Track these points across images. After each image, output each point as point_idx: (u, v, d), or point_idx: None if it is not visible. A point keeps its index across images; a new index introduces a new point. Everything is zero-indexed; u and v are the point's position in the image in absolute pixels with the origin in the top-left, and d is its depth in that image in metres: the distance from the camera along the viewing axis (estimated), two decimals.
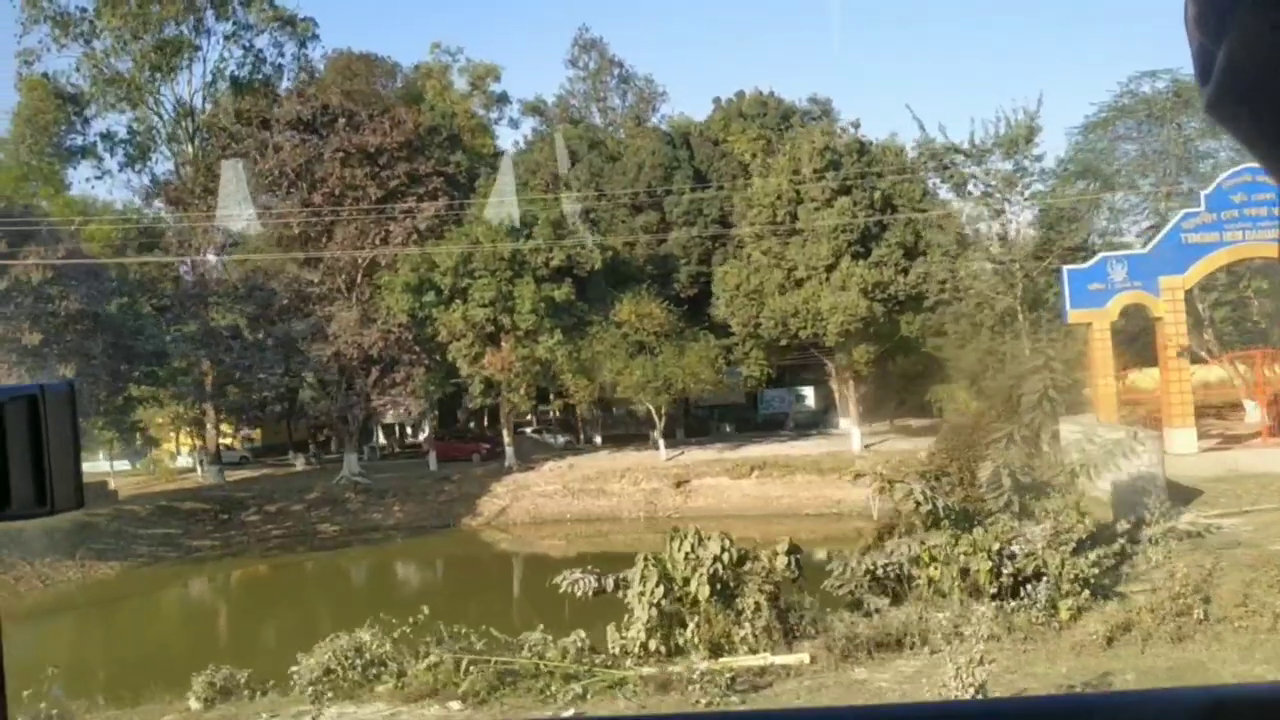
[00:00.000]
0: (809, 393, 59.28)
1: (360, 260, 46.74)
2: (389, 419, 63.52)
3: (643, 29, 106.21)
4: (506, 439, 50.53)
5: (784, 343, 43.37)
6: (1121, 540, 16.13)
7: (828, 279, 41.53)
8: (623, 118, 69.29)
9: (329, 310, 45.48)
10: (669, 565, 15.01)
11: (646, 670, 14.02)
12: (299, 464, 57.46)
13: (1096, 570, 14.41)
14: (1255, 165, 0.76)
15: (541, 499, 47.33)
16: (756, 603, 14.72)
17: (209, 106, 53.78)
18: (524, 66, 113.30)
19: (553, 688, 13.71)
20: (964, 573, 14.72)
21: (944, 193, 51.06)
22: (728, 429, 59.15)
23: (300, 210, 45.70)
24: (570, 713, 12.71)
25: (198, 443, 57.00)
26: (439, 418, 54.72)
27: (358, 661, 14.73)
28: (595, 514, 45.86)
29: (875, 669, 13.75)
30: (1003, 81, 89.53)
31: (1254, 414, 33.85)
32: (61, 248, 35.59)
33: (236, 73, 53.55)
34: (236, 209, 46.65)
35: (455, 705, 13.51)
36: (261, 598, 37.87)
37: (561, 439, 58.72)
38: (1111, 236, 40.05)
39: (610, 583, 15.70)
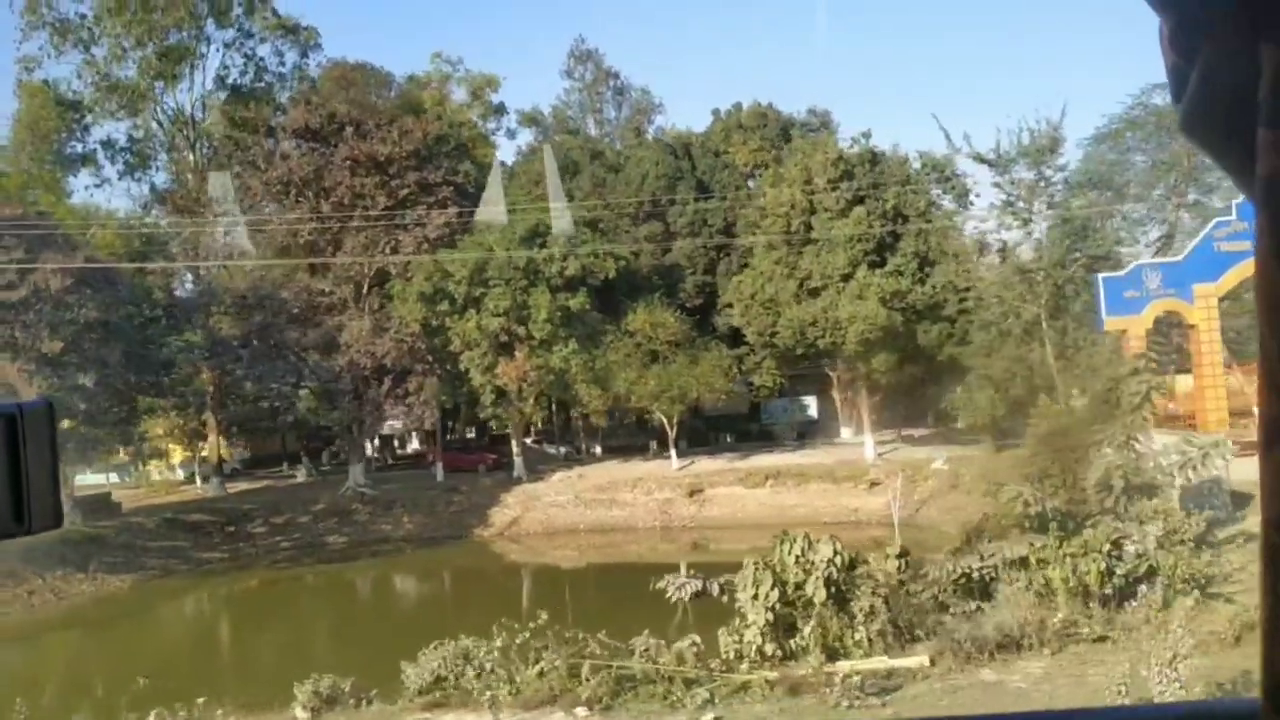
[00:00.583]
0: (811, 403, 59.36)
1: (369, 269, 46.42)
2: (384, 430, 62.98)
3: (636, 40, 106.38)
4: (515, 449, 50.22)
5: (800, 352, 43.43)
6: (1225, 541, 16.22)
7: (844, 288, 41.64)
8: (619, 129, 69.36)
9: (339, 320, 45.04)
10: (779, 569, 14.90)
11: (769, 674, 13.89)
12: (300, 475, 56.78)
13: (1214, 570, 14.46)
14: None
15: (554, 509, 47.04)
16: (871, 605, 14.64)
17: (210, 115, 53.20)
18: (517, 77, 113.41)
19: (676, 693, 13.55)
20: (1073, 574, 14.71)
21: (947, 203, 51.84)
22: (728, 439, 59.05)
23: (311, 218, 45.27)
24: (710, 716, 12.55)
25: (188, 454, 56.31)
26: (435, 429, 54.30)
27: (467, 669, 14.49)
28: (609, 524, 45.64)
29: (1001, 670, 13.69)
30: (1005, 93, 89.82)
31: None
32: (80, 255, 34.99)
33: (238, 81, 53.06)
34: (243, 217, 46.19)
35: (581, 712, 13.32)
36: (293, 609, 37.39)
37: (562, 449, 58.46)
38: (1125, 246, 40.49)
39: (715, 587, 15.56)
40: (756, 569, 14.89)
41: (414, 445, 70.07)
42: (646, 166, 56.47)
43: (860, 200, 43.56)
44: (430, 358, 44.73)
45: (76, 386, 34.40)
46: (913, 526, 40.30)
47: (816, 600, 14.54)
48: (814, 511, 43.63)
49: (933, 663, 14.06)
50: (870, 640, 14.57)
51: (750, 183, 58.30)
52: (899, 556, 15.28)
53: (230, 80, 52.93)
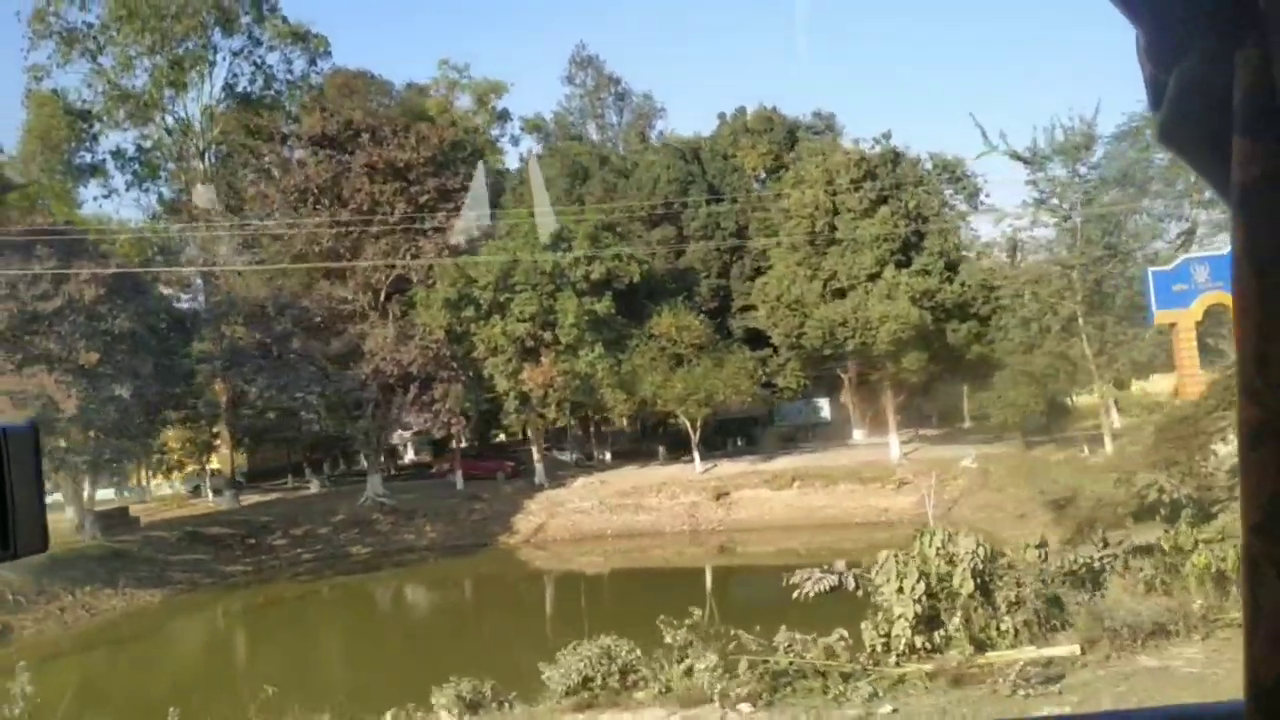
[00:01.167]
0: (824, 405, 59.45)
1: (388, 276, 46.06)
2: (393, 439, 62.46)
3: (635, 46, 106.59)
4: (536, 456, 49.98)
5: (828, 352, 43.47)
6: None
7: (871, 288, 41.73)
8: (621, 134, 69.35)
9: (360, 328, 44.65)
10: (920, 562, 14.82)
11: (924, 666, 13.80)
12: (313, 487, 56.22)
13: None
14: None
15: (579, 515, 46.78)
16: (1017, 595, 14.58)
17: (219, 123, 52.66)
18: (516, 83, 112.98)
19: (838, 687, 13.43)
20: (1213, 559, 14.72)
21: (959, 203, 52.17)
22: (738, 442, 58.97)
23: (332, 226, 44.89)
24: (887, 709, 12.44)
25: (196, 467, 55.59)
26: (440, 438, 54.04)
27: (613, 668, 14.31)
28: (636, 529, 45.45)
29: (1157, 656, 13.66)
30: (1017, 92, 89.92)
31: None
32: (111, 264, 34.43)
33: (247, 89, 52.56)
34: (260, 225, 45.73)
35: (745, 708, 13.16)
36: (347, 619, 37.06)
37: (573, 456, 58.20)
38: (1150, 242, 40.83)
39: (850, 581, 15.45)
40: (899, 562, 14.79)
41: (411, 455, 69.61)
42: (658, 171, 56.47)
43: (883, 200, 43.71)
44: (454, 365, 44.36)
45: (112, 398, 33.85)
46: (949, 525, 40.37)
47: (964, 592, 14.46)
48: (844, 512, 43.68)
49: (1083, 650, 14.01)
50: (1015, 630, 14.51)
51: (761, 186, 58.40)
52: (1038, 547, 15.24)
53: (240, 88, 52.38)
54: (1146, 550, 16.02)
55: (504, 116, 65.57)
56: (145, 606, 38.29)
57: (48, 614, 35.49)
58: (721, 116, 63.01)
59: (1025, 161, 34.86)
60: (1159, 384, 43.46)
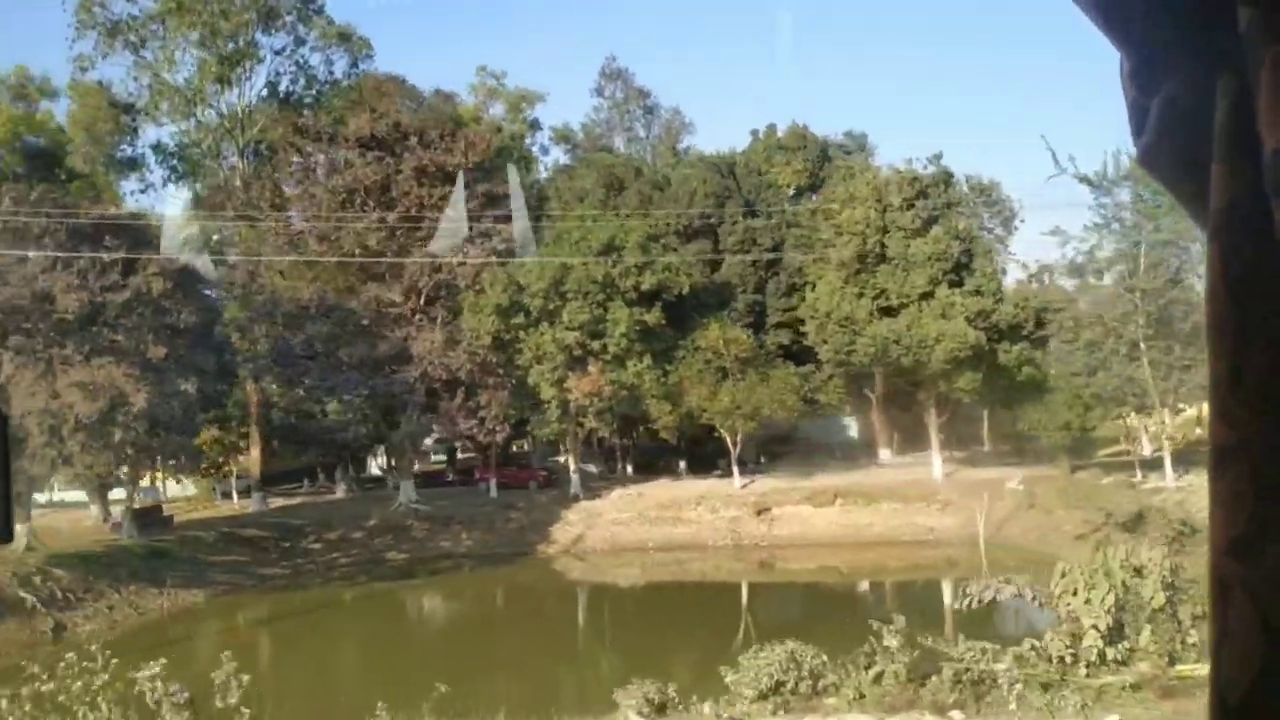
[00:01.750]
0: (851, 423, 59.49)
1: (433, 280, 45.83)
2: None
3: (662, 60, 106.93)
4: (572, 466, 49.72)
5: (876, 370, 43.46)
6: None
7: (924, 307, 41.82)
8: (651, 146, 69.40)
9: (407, 331, 44.35)
10: (1106, 575, 14.76)
11: (1124, 678, 13.72)
12: (339, 491, 55.70)
13: None
14: None
15: (617, 527, 46.50)
16: (1203, 609, 14.53)
17: (259, 120, 52.33)
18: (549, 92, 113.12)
19: (1032, 696, 13.32)
20: None
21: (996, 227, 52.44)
22: (762, 460, 58.77)
23: (381, 227, 44.65)
24: (1114, 718, 12.33)
25: (219, 468, 54.92)
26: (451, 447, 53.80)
27: (803, 673, 14.14)
28: (676, 542, 45.20)
29: None
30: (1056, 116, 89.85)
31: None
32: (178, 259, 34.05)
33: (290, 88, 52.29)
34: (310, 223, 45.45)
35: (957, 715, 13.01)
36: (412, 623, 36.76)
37: (594, 468, 57.82)
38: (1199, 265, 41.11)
39: (1029, 593, 15.38)
40: (1085, 574, 14.74)
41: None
42: (694, 184, 56.46)
43: (934, 220, 43.89)
44: (500, 371, 44.11)
45: (176, 393, 33.38)
46: (997, 546, 40.42)
47: (1154, 605, 14.41)
48: (889, 530, 43.65)
49: None
50: (1203, 642, 14.46)
51: (795, 202, 58.46)
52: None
53: (282, 87, 52.10)
54: None
55: (535, 126, 65.46)
56: (190, 607, 37.75)
57: (96, 612, 34.93)
58: (754, 133, 63.12)
59: (1092, 185, 34.97)
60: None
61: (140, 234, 34.72)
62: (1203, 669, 14.18)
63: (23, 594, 32.85)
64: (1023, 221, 52.61)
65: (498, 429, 44.87)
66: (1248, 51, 0.74)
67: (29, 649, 31.36)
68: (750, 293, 54.42)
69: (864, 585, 40.57)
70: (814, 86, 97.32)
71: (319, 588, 41.59)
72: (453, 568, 44.45)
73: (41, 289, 30.00)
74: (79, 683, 10.95)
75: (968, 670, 13.67)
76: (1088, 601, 14.48)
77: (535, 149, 66.16)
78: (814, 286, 51.10)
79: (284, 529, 46.87)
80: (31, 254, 30.05)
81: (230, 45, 48.96)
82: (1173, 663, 14.25)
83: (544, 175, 63.67)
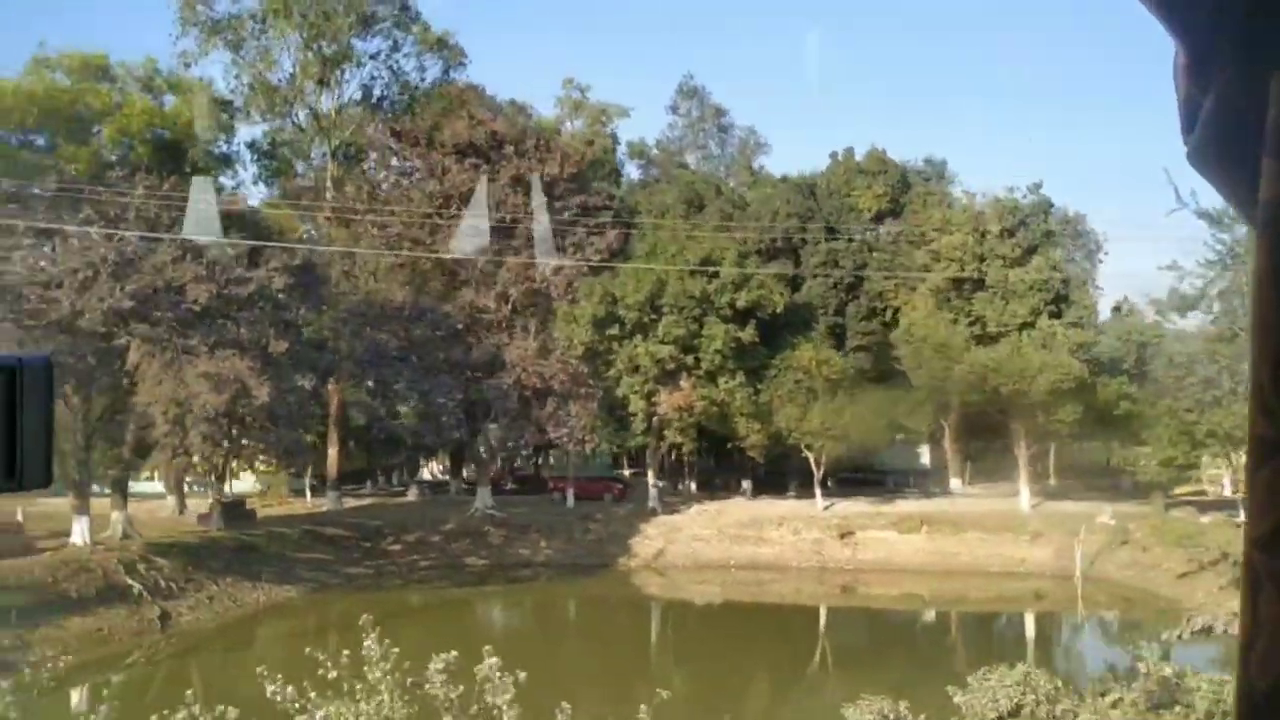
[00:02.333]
0: (924, 451, 59.14)
1: (524, 289, 45.93)
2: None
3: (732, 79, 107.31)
4: (651, 480, 49.59)
5: (973, 398, 43.17)
6: None
7: (1024, 336, 41.56)
8: (725, 165, 69.46)
9: (499, 338, 44.43)
10: None
11: None
12: (411, 494, 55.81)
13: None
14: None
15: (698, 544, 46.25)
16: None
17: (349, 123, 52.68)
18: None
19: None
20: None
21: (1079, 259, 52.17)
22: (828, 484, 58.33)
23: (474, 233, 44.79)
24: None
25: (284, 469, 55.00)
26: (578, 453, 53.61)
27: (1040, 697, 13.90)
28: (759, 562, 44.90)
29: None
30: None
31: None
32: (299, 256, 34.23)
33: (384, 92, 52.66)
34: (403, 229, 45.66)
35: None
36: (521, 631, 36.68)
37: (660, 484, 57.56)
38: None
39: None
40: None
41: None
42: (776, 204, 56.41)
43: (1033, 249, 43.69)
44: (591, 381, 44.10)
45: (293, 388, 33.50)
46: (1090, 581, 40.00)
47: None
48: (977, 560, 43.17)
49: None
50: None
51: (876, 227, 58.30)
52: None
53: (376, 91, 52.43)
54: None
55: (614, 140, 65.57)
56: (284, 602, 37.77)
57: (198, 602, 34.98)
58: (833, 155, 63.03)
59: (1213, 220, 34.67)
60: None
61: (257, 229, 34.93)
62: None
63: (130, 581, 32.97)
64: (1106, 254, 52.44)
65: (586, 439, 44.76)
66: None
67: (138, 636, 31.66)
68: (831, 314, 54.25)
69: (998, 616, 40.16)
70: (884, 113, 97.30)
71: (404, 590, 41.53)
72: (533, 576, 44.28)
73: (171, 279, 30.17)
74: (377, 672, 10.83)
75: (1220, 701, 13.40)
76: None
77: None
78: (897, 311, 50.97)
79: (363, 529, 46.87)
80: (166, 240, 30.26)
81: (331, 48, 49.34)
82: None
83: (621, 190, 63.88)
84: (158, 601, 33.23)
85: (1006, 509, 46.73)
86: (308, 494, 53.55)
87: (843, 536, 45.19)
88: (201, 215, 32.18)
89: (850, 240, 56.24)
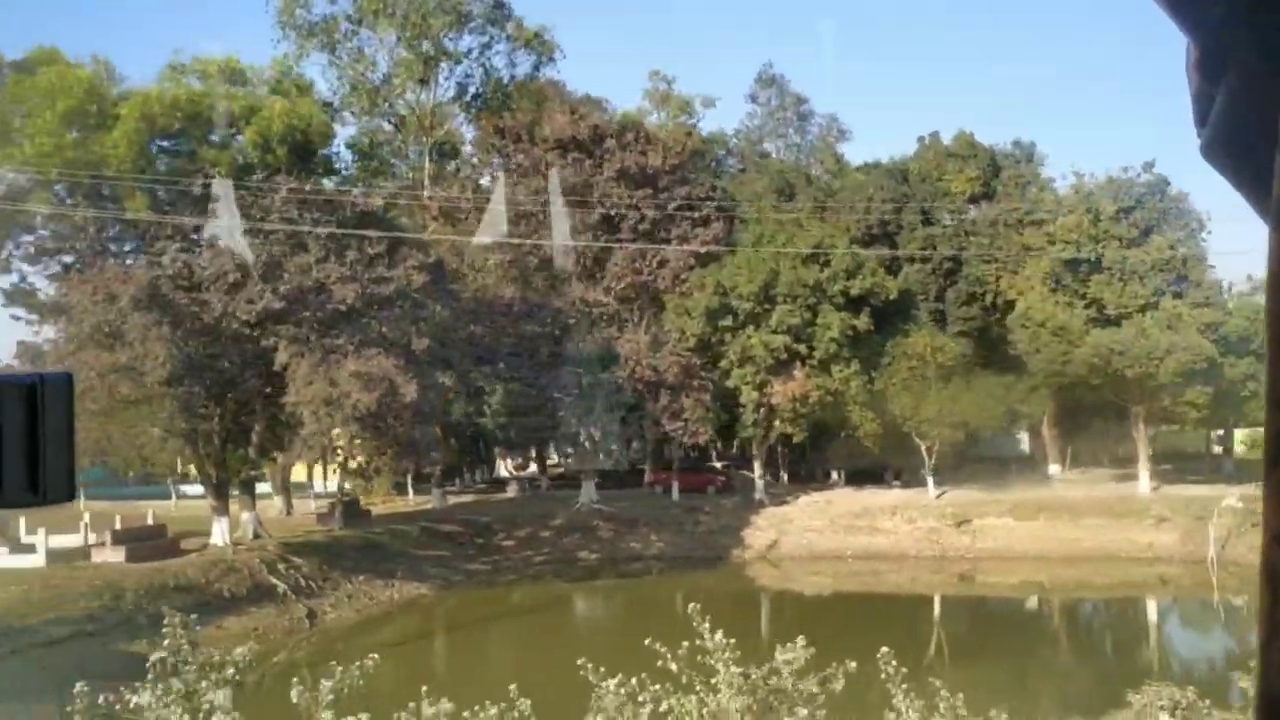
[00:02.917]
0: (1024, 438, 58.47)
1: (633, 282, 45.82)
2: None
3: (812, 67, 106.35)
4: (758, 472, 49.37)
5: (1095, 382, 42.50)
6: None
7: (1147, 318, 40.86)
8: (808, 152, 68.91)
9: (609, 331, 44.38)
10: None
11: None
12: (511, 490, 56.00)
13: None
14: None
15: (811, 534, 46.01)
16: None
17: (444, 121, 52.84)
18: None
19: None
20: None
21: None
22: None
23: (583, 230, 44.76)
24: None
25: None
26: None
27: None
28: (875, 551, 44.56)
29: None
30: None
31: None
32: (433, 254, 34.36)
33: (479, 90, 52.76)
34: (510, 226, 45.69)
35: None
36: (648, 624, 36.32)
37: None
38: None
39: None
40: None
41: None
42: (870, 190, 55.90)
43: (1150, 229, 42.96)
44: (703, 374, 43.95)
45: (434, 385, 33.64)
46: (1222, 565, 39.24)
47: None
48: (1100, 546, 42.54)
49: None
50: None
51: (969, 210, 57.60)
52: None
53: (471, 89, 52.55)
54: None
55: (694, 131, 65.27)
56: (416, 599, 38.03)
57: (339, 600, 35.28)
58: (921, 140, 62.31)
59: None
60: None
61: (390, 228, 35.09)
62: None
63: (274, 580, 33.31)
64: (1209, 233, 51.49)
65: (700, 431, 44.63)
66: None
67: (289, 635, 31.93)
68: (931, 300, 53.69)
69: (1151, 604, 39.47)
70: (966, 97, 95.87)
71: (524, 585, 41.73)
72: (646, 570, 44.23)
73: (317, 279, 30.36)
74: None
75: None
76: None
77: None
78: (998, 295, 50.29)
79: (475, 526, 47.04)
80: (310, 236, 30.43)
81: (428, 46, 49.49)
82: None
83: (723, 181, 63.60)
84: (302, 600, 33.55)
85: (1124, 493, 46.08)
86: (410, 491, 53.82)
87: (959, 525, 44.75)
88: (342, 216, 32.38)
89: (945, 225, 55.62)
